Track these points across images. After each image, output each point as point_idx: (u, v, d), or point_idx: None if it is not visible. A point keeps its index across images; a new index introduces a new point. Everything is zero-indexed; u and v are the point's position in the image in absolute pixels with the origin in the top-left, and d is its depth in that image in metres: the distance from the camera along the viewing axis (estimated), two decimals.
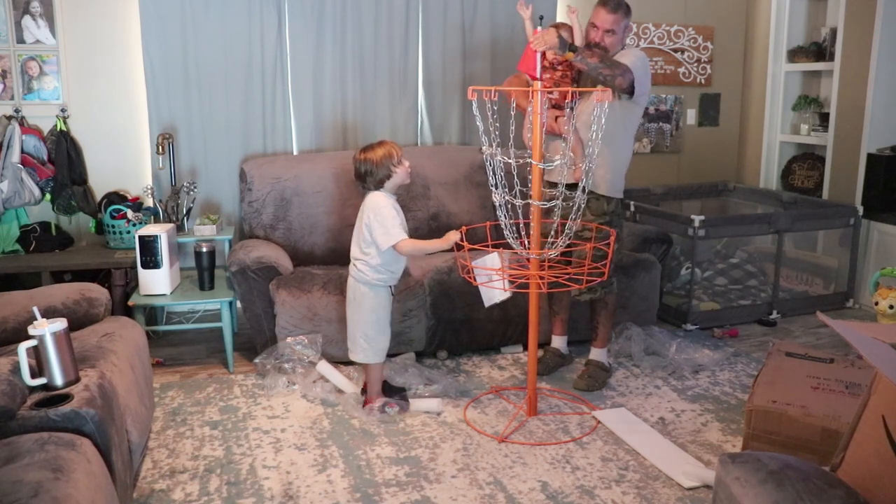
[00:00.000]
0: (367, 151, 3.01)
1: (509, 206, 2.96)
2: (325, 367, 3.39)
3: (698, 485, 2.58)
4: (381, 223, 2.94)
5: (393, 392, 3.22)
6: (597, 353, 3.51)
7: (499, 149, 2.91)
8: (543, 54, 3.06)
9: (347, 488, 2.58)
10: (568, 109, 3.11)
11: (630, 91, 3.12)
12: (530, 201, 2.95)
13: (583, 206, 2.97)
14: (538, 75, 2.87)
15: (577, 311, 3.70)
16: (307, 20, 4.25)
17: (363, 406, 3.14)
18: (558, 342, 3.67)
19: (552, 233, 3.03)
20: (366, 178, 3.00)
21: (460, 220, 4.12)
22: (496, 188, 2.98)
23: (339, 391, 3.31)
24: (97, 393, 2.07)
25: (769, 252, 4.68)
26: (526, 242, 3.01)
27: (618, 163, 3.31)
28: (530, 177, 2.99)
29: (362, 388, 3.23)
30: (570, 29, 3.23)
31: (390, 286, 3.10)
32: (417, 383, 3.35)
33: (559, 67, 3.20)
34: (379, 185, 3.00)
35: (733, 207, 5.37)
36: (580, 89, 3.15)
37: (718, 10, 5.32)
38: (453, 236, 2.92)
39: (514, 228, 2.99)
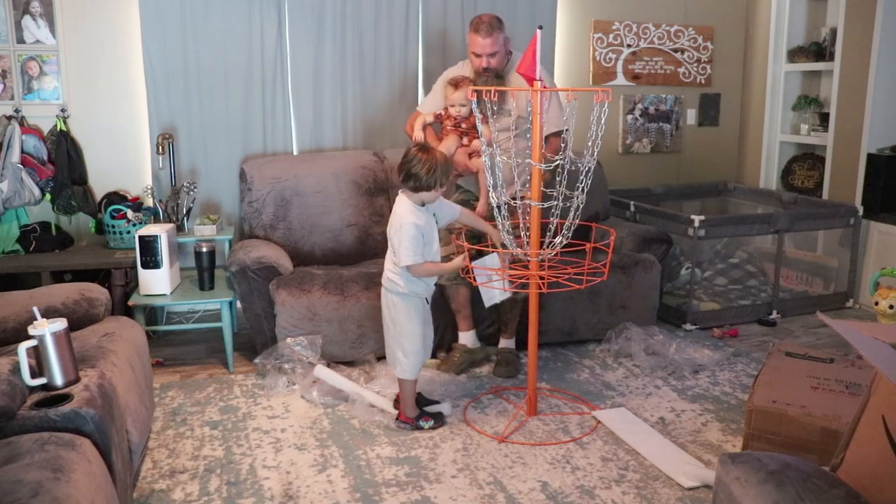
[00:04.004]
0: (428, 153, 2.85)
1: (505, 206, 2.96)
2: (322, 372, 3.33)
3: (698, 485, 2.58)
4: (399, 241, 2.85)
5: (428, 404, 3.14)
6: (509, 343, 3.68)
7: (498, 149, 2.92)
8: (447, 113, 3.34)
9: (347, 488, 2.58)
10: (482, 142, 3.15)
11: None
12: (530, 202, 2.95)
13: (581, 205, 2.96)
14: (537, 76, 2.87)
15: (576, 309, 3.70)
16: (307, 20, 4.25)
17: (397, 420, 3.03)
18: (467, 338, 3.66)
19: (549, 233, 3.04)
20: (409, 178, 2.84)
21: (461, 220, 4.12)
22: (494, 189, 2.98)
23: (344, 390, 3.31)
24: (97, 393, 2.07)
25: (769, 252, 4.68)
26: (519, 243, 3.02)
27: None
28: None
29: (395, 400, 3.15)
30: (469, 81, 3.34)
31: (426, 297, 3.00)
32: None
33: (463, 125, 3.32)
34: (413, 190, 2.86)
35: (733, 207, 5.37)
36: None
37: (718, 10, 5.32)
38: (458, 262, 2.92)
39: (512, 229, 2.99)
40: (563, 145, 3.26)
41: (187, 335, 4.13)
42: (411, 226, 2.84)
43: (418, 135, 3.43)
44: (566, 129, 3.25)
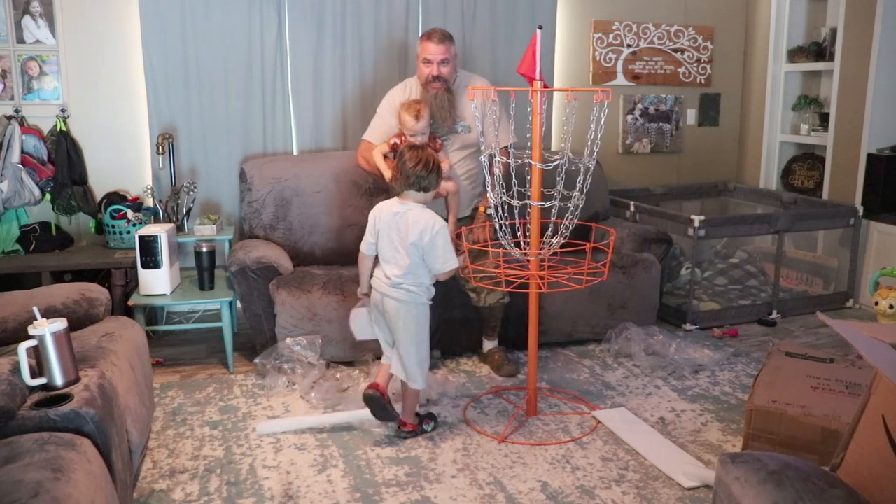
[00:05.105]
0: (423, 150, 2.81)
1: (506, 206, 2.96)
2: (268, 427, 2.99)
3: (698, 485, 2.58)
4: (444, 244, 2.76)
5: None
6: (494, 343, 3.71)
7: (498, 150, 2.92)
8: (404, 141, 3.25)
9: (347, 488, 2.58)
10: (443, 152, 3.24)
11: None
12: (528, 202, 2.95)
13: (580, 205, 2.96)
14: (537, 76, 2.87)
15: (576, 309, 3.69)
16: (307, 20, 4.25)
17: (401, 428, 2.96)
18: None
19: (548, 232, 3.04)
20: (420, 180, 2.78)
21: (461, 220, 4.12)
22: (493, 189, 2.98)
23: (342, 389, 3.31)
24: (97, 393, 2.07)
25: (769, 252, 4.68)
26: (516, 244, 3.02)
27: None
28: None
29: (382, 393, 3.06)
30: (426, 105, 3.29)
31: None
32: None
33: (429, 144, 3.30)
34: (424, 190, 2.81)
35: (733, 207, 5.37)
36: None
37: (718, 10, 5.32)
38: (460, 262, 2.89)
39: (510, 229, 2.99)
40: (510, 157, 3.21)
41: (187, 335, 4.13)
42: (446, 227, 2.81)
43: (389, 175, 3.26)
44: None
